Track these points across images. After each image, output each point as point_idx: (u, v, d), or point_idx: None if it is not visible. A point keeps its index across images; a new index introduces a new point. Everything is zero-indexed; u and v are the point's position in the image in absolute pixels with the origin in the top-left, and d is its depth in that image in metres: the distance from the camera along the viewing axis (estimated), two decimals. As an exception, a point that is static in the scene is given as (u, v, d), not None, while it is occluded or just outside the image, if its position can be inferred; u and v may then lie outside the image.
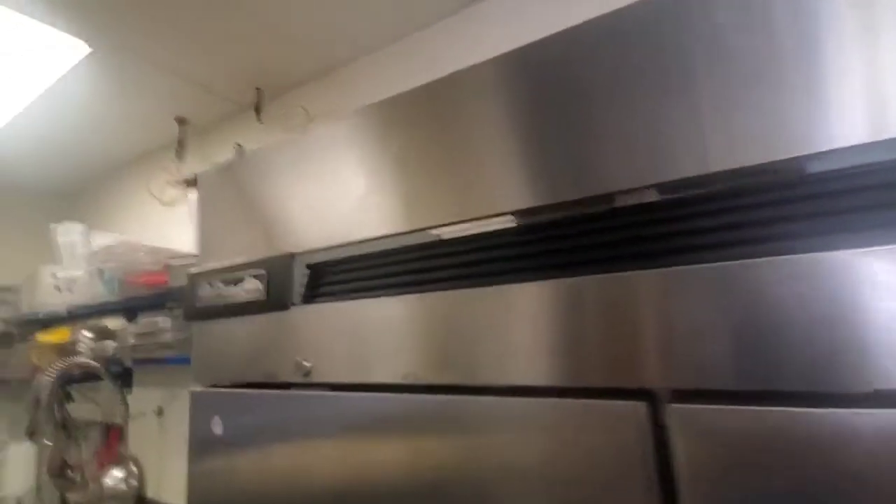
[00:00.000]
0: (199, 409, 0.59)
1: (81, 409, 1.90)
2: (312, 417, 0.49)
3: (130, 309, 1.56)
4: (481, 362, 0.40)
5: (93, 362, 1.51)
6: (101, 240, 1.48)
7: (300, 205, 0.55)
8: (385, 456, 0.44)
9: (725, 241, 0.35)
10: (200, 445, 0.58)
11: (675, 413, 0.33)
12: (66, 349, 1.69)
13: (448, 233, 0.46)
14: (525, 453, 0.37)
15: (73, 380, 1.74)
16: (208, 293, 0.59)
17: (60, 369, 1.50)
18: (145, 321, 1.40)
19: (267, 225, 0.57)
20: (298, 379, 0.51)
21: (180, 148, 1.64)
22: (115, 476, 1.66)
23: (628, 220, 0.39)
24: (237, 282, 0.57)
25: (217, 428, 0.55)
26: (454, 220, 0.44)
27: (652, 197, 0.38)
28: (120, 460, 1.68)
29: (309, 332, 0.51)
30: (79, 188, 2.22)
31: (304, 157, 0.56)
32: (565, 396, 0.37)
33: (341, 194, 0.52)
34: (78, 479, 1.85)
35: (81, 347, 1.60)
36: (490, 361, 0.40)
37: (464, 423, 0.40)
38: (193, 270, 0.63)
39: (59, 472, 1.87)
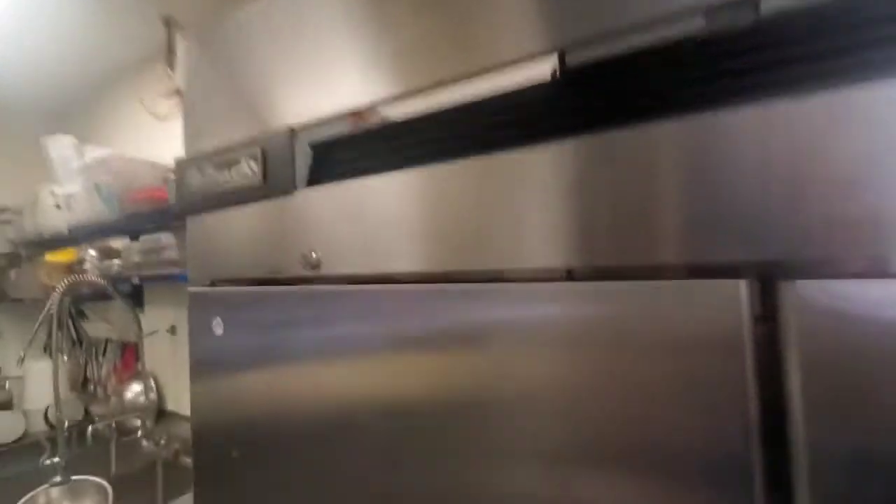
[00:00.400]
0: (198, 311, 0.53)
1: (97, 327, 1.91)
2: (322, 314, 0.42)
3: (132, 228, 1.50)
4: (525, 240, 0.32)
5: (100, 280, 1.47)
6: (95, 153, 1.38)
7: (298, 70, 0.45)
8: (408, 359, 0.37)
9: (847, 65, 0.26)
10: (201, 350, 0.52)
11: (795, 292, 0.25)
12: (74, 268, 1.65)
13: (474, 89, 0.37)
14: (579, 347, 0.30)
15: (85, 298, 1.73)
16: (199, 181, 0.51)
17: (69, 288, 1.47)
18: (147, 238, 1.34)
19: (261, 97, 0.48)
20: (306, 273, 0.44)
21: (170, 53, 1.50)
22: (134, 390, 1.69)
23: (705, 51, 0.30)
24: (231, 165, 0.48)
25: (218, 328, 0.49)
26: (482, 68, 0.35)
27: (746, 18, 0.28)
28: (137, 376, 1.69)
29: (316, 218, 0.43)
30: (70, 104, 2.08)
31: (300, 13, 0.45)
32: (630, 277, 0.29)
33: (345, 52, 0.42)
34: (100, 393, 1.89)
35: (88, 266, 1.56)
36: (536, 238, 0.32)
37: (506, 316, 0.33)
38: (181, 156, 0.54)
39: (82, 386, 1.91)
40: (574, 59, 0.34)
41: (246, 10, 0.50)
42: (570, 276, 0.33)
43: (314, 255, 0.43)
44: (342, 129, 0.44)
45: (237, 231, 0.50)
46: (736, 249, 0.27)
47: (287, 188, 0.45)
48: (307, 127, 0.45)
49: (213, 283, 0.54)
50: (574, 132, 0.31)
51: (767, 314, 0.27)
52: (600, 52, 0.32)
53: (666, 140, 0.28)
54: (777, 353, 0.26)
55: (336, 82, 0.43)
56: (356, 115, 0.43)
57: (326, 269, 0.43)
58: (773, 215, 0.26)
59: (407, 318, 0.37)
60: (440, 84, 0.37)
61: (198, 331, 0.53)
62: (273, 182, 0.46)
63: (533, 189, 0.32)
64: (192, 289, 0.54)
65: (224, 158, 0.49)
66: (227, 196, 0.49)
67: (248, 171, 0.47)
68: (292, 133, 0.45)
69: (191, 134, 0.55)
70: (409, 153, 0.40)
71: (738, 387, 0.26)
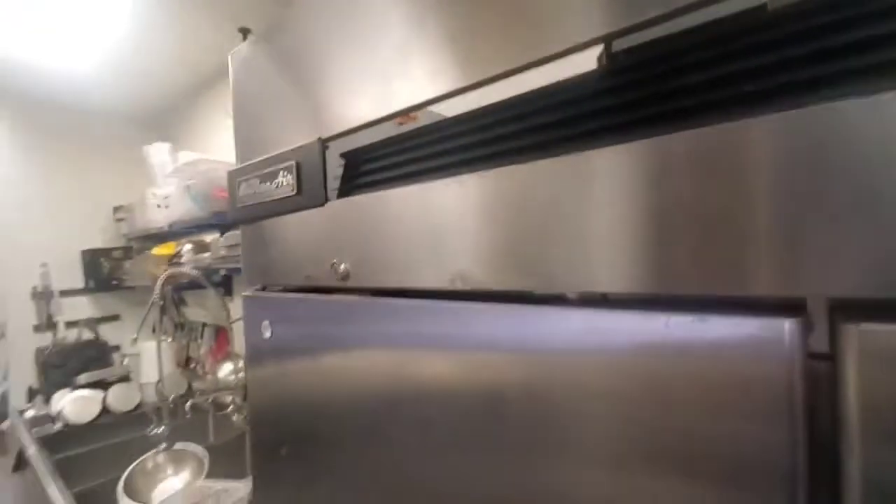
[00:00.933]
0: (250, 313, 0.56)
1: (195, 312, 2.12)
2: (351, 326, 0.42)
3: (219, 224, 1.63)
4: (557, 260, 0.29)
5: (194, 271, 1.62)
6: (185, 158, 1.52)
7: (329, 78, 0.45)
8: (431, 376, 0.36)
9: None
10: (253, 349, 0.55)
11: (856, 336, 0.20)
12: (174, 260, 1.83)
13: (510, 87, 0.34)
14: (610, 385, 0.27)
15: (184, 287, 1.92)
16: (246, 192, 0.53)
17: (169, 278, 1.63)
18: (231, 234, 1.45)
19: (297, 107, 0.48)
20: (336, 283, 0.44)
21: (246, 61, 1.59)
22: (226, 369, 1.85)
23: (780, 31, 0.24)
24: (272, 178, 0.50)
25: (266, 332, 0.52)
26: (518, 66, 0.31)
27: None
28: (229, 357, 1.86)
29: (345, 229, 0.44)
30: (166, 112, 2.30)
31: (333, 20, 0.45)
32: (672, 310, 0.25)
33: (373, 59, 0.41)
34: (200, 370, 2.11)
35: (184, 259, 1.72)
36: (569, 259, 0.29)
37: (529, 342, 0.31)
38: (232, 168, 0.57)
39: (185, 364, 2.14)
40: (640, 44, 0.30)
41: (286, 20, 0.51)
42: (605, 300, 0.30)
43: (343, 266, 0.43)
44: (372, 136, 0.43)
45: (280, 240, 0.52)
46: (800, 281, 0.22)
47: (318, 199, 0.45)
48: (338, 137, 0.45)
49: (263, 288, 0.56)
50: (630, 134, 0.28)
51: (827, 354, 0.23)
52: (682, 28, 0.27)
53: (732, 146, 0.24)
54: (837, 402, 0.22)
55: (365, 88, 0.42)
56: (401, 119, 0.42)
57: (356, 280, 0.43)
58: (850, 241, 0.21)
59: (432, 336, 0.36)
60: (473, 85, 0.35)
61: (250, 331, 0.56)
62: (307, 194, 0.47)
63: (575, 198, 0.29)
64: (245, 293, 0.57)
65: (266, 171, 0.51)
66: (270, 207, 0.51)
67: (285, 183, 0.48)
68: (322, 144, 0.45)
69: (241, 145, 0.58)
70: (443, 160, 0.39)
71: (784, 433, 0.22)
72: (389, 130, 0.43)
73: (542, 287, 0.30)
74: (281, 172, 0.48)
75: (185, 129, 2.19)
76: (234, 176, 0.56)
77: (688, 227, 0.25)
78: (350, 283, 0.43)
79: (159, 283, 1.56)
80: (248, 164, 0.54)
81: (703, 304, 0.24)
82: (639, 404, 0.26)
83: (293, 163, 0.47)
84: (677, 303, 0.25)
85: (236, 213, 0.56)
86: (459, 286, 0.34)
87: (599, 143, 0.28)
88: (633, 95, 0.29)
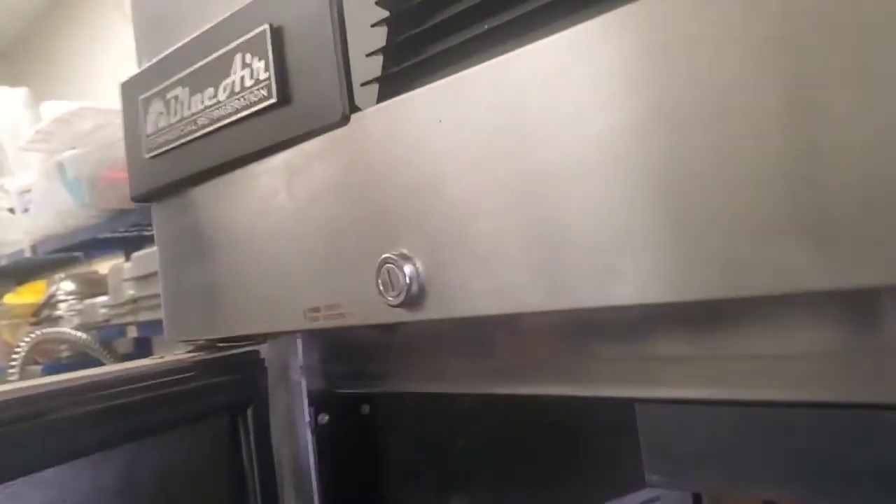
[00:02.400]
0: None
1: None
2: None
3: (124, 235, 1.62)
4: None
5: (81, 334, 1.62)
6: (53, 110, 1.53)
7: None
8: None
9: None
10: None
11: None
12: (45, 314, 1.85)
13: None
14: None
15: (64, 366, 1.96)
16: (163, 121, 0.50)
17: (39, 348, 1.64)
18: (143, 254, 1.43)
19: None
20: (393, 312, 0.38)
21: None
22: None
23: None
24: (217, 75, 0.45)
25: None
26: None
27: None
28: None
29: (407, 176, 0.38)
30: (13, 41, 2.39)
31: None
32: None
33: None
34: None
35: (62, 310, 1.73)
36: None
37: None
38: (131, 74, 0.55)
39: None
40: None
41: None
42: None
43: (408, 269, 0.36)
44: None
45: (241, 221, 0.48)
46: None
47: (334, 107, 0.40)
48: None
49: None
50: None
51: None
52: None
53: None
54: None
55: None
56: None
57: (440, 305, 0.37)
58: None
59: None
60: None
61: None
62: (304, 98, 0.42)
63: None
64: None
65: (205, 61, 0.47)
66: (217, 142, 0.47)
67: (247, 81, 0.43)
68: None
69: (147, 28, 0.56)
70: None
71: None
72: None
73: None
74: (237, 58, 0.44)
75: (49, 59, 2.26)
76: (134, 89, 0.54)
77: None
78: (425, 313, 0.36)
79: (18, 358, 1.58)
80: (166, 57, 0.51)
81: None
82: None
83: (264, 29, 0.41)
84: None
85: (145, 174, 0.53)
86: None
87: None
88: None
